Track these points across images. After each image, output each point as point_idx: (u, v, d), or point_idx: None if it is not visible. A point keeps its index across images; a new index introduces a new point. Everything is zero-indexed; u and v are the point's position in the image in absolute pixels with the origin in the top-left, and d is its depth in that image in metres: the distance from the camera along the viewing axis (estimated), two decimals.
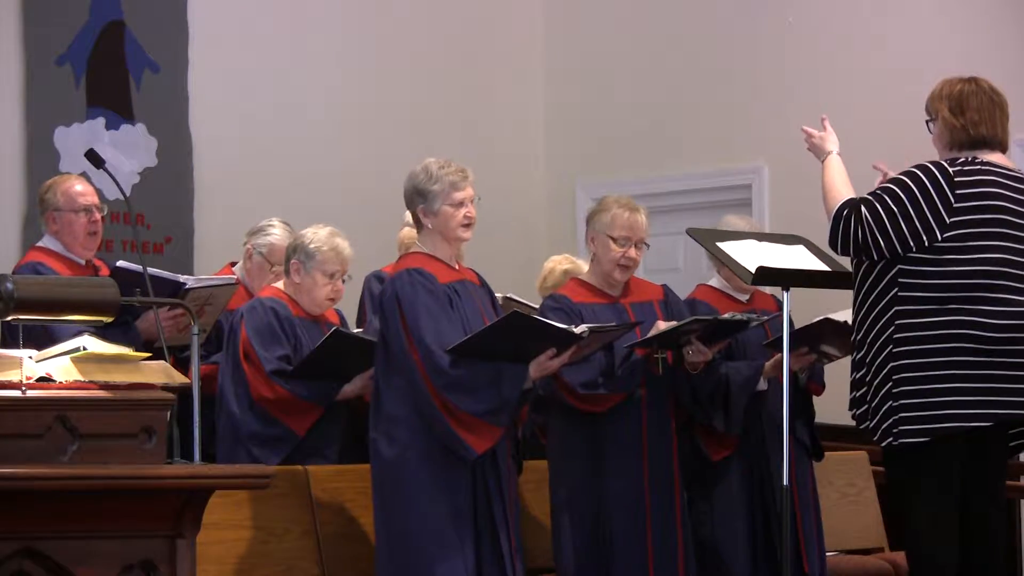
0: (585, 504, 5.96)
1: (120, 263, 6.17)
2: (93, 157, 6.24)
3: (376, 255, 7.41)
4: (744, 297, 6.45)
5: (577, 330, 5.53)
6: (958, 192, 5.23)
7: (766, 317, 6.14)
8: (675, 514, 6.01)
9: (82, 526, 4.01)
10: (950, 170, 5.25)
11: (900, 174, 5.32)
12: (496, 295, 5.94)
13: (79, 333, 4.70)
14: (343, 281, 6.32)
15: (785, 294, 5.81)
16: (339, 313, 6.59)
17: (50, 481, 3.93)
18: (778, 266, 5.89)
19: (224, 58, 9.09)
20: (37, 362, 4.12)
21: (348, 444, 6.35)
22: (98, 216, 6.48)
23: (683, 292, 6.52)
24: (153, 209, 8.68)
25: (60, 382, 4.06)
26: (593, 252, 6.14)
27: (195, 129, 8.95)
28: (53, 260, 6.39)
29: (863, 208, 5.27)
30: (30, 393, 4.02)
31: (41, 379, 4.06)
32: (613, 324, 5.81)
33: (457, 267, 5.73)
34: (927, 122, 5.43)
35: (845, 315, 5.79)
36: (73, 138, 8.49)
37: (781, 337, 5.82)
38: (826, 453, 6.59)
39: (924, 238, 5.22)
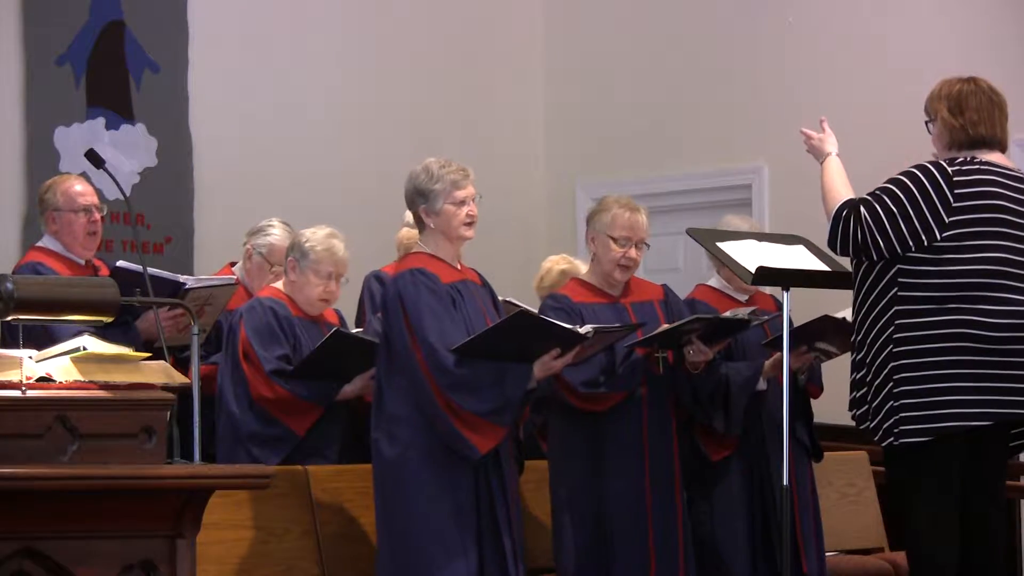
0: (586, 504, 5.96)
1: (120, 263, 6.17)
2: (93, 157, 6.24)
3: (376, 255, 7.42)
4: (744, 297, 6.45)
5: (582, 330, 5.53)
6: (957, 192, 5.23)
7: (766, 317, 6.14)
8: (676, 514, 6.02)
9: (82, 526, 4.01)
10: (949, 170, 5.25)
11: (899, 174, 5.32)
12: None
13: (79, 333, 4.70)
14: (340, 283, 6.32)
15: (785, 294, 5.81)
16: (338, 313, 6.59)
17: (50, 481, 3.93)
18: (778, 266, 5.89)
19: (224, 58, 9.08)
20: (37, 362, 4.11)
21: (348, 444, 6.35)
22: (98, 216, 6.48)
23: (683, 292, 6.52)
24: (153, 209, 8.67)
25: (60, 382, 4.06)
26: (593, 252, 6.14)
27: (195, 129, 8.95)
28: (53, 260, 6.39)
29: (862, 208, 5.28)
30: (30, 393, 4.01)
31: (41, 379, 4.06)
32: (617, 325, 5.81)
33: (459, 267, 5.73)
34: (926, 122, 5.43)
35: (844, 313, 5.79)
36: (73, 138, 8.49)
37: (780, 337, 5.82)
38: (826, 453, 6.60)
39: (923, 238, 5.22)
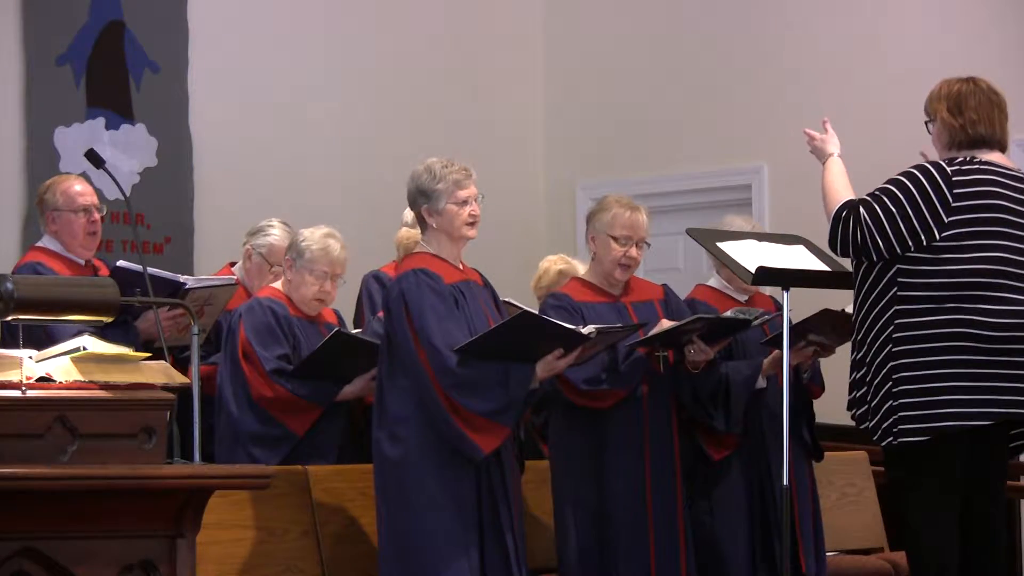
0: (587, 503, 5.96)
1: (120, 263, 6.17)
2: (93, 157, 6.24)
3: (376, 255, 7.41)
4: (743, 297, 6.45)
5: (585, 331, 5.53)
6: (956, 191, 5.23)
7: (767, 317, 6.14)
8: (677, 513, 6.02)
9: (82, 526, 4.01)
10: (948, 169, 5.25)
11: (898, 175, 5.32)
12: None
13: (79, 333, 4.71)
14: (336, 284, 6.32)
15: (785, 294, 5.81)
16: (337, 314, 6.58)
17: (50, 481, 3.93)
18: (778, 266, 5.89)
19: (224, 58, 9.08)
20: (37, 362, 4.12)
21: (348, 444, 6.35)
22: (97, 216, 6.48)
23: (683, 292, 6.52)
24: (153, 209, 8.67)
25: (60, 382, 4.06)
26: (594, 252, 6.14)
27: (195, 129, 8.95)
28: (52, 260, 6.39)
29: (861, 209, 5.28)
30: (30, 393, 4.01)
31: (41, 379, 4.06)
32: (619, 325, 5.81)
33: (462, 267, 5.73)
34: (926, 123, 5.43)
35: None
36: (73, 138, 8.49)
37: (779, 334, 5.82)
38: (826, 453, 6.59)
39: (923, 237, 5.22)
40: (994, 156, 5.34)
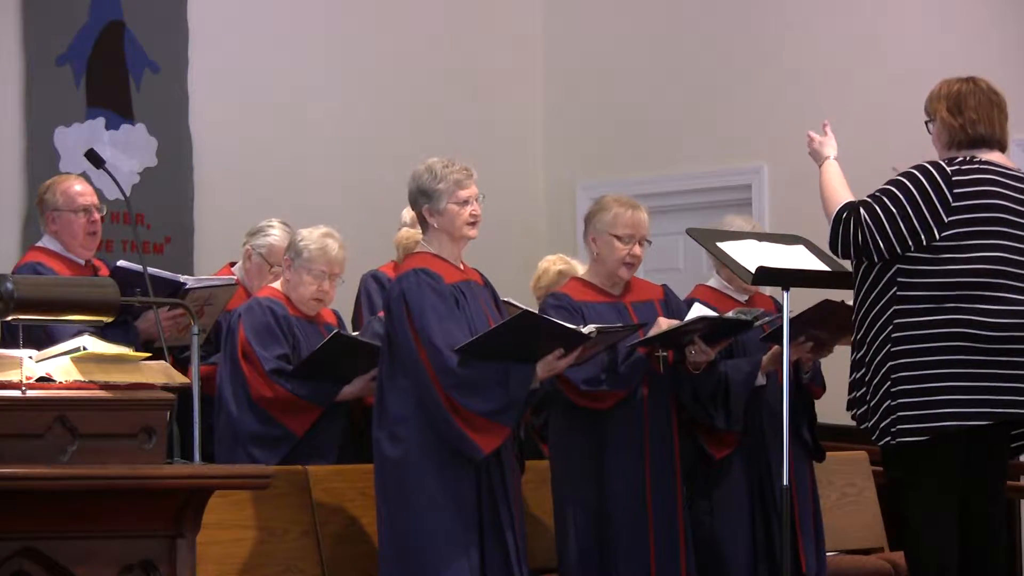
0: (587, 503, 5.95)
1: (120, 263, 6.17)
2: (93, 157, 6.24)
3: (375, 255, 7.41)
4: (743, 297, 6.45)
5: (585, 330, 5.53)
6: (956, 191, 5.23)
7: (768, 317, 6.14)
8: (677, 513, 6.01)
9: (82, 526, 4.01)
10: (948, 169, 5.26)
11: (898, 175, 5.33)
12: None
13: (79, 333, 4.71)
14: (335, 284, 6.31)
15: (785, 294, 5.81)
16: (336, 314, 6.58)
17: (50, 481, 3.93)
18: (778, 266, 5.89)
19: (224, 58, 9.08)
20: (37, 362, 4.12)
21: (348, 444, 6.35)
22: (97, 216, 6.48)
23: (683, 292, 6.52)
24: (153, 209, 8.67)
25: (60, 382, 4.06)
26: (595, 252, 6.13)
27: (195, 129, 8.95)
28: (52, 260, 6.39)
29: (862, 210, 5.28)
30: (30, 393, 4.02)
31: (41, 379, 4.06)
32: (620, 325, 5.81)
33: (462, 267, 5.73)
34: (926, 123, 5.44)
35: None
36: (73, 138, 8.49)
37: (778, 329, 5.82)
38: (827, 453, 6.59)
39: (922, 237, 5.22)
40: (994, 156, 5.34)
